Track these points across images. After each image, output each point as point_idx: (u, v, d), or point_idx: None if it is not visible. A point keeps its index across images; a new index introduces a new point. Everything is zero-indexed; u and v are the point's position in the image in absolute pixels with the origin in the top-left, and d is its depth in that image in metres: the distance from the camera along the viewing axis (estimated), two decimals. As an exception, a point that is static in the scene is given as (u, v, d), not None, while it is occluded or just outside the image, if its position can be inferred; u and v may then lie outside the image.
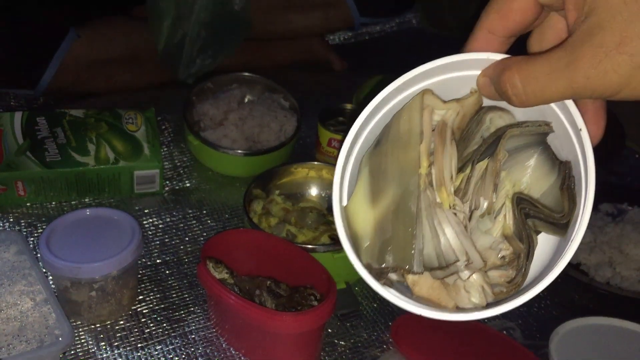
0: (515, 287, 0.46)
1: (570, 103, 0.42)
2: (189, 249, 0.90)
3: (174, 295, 0.83)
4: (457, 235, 0.44)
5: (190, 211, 0.95)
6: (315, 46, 1.34)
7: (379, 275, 0.45)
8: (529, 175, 0.45)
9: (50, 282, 0.78)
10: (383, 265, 0.44)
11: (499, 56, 0.44)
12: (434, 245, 0.44)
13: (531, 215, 0.45)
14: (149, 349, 0.76)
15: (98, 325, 0.78)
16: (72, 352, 0.74)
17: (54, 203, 0.93)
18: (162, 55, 1.18)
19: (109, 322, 0.78)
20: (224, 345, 0.77)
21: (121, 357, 0.75)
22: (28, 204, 0.92)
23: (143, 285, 0.83)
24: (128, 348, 0.76)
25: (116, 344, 0.76)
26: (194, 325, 0.79)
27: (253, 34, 1.29)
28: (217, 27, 1.18)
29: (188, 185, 1.00)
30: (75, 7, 1.20)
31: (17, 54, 1.12)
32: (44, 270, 0.78)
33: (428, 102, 0.47)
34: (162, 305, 0.81)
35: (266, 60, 1.31)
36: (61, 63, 1.11)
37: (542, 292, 0.91)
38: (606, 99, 0.39)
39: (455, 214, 0.45)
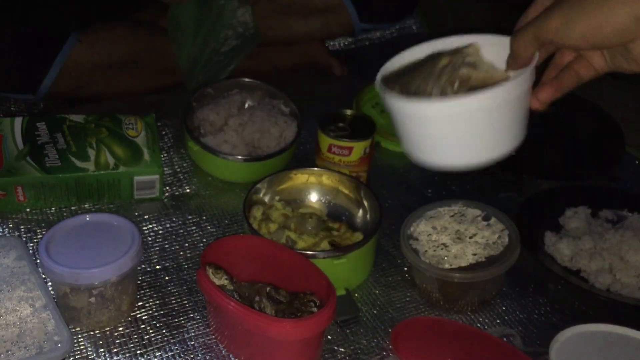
0: None
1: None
2: (189, 255, 0.89)
3: (174, 301, 0.83)
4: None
5: (190, 217, 0.95)
6: (315, 51, 1.34)
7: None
8: None
9: (50, 288, 0.78)
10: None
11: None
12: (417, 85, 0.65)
13: None
14: (148, 355, 0.76)
15: (97, 331, 0.77)
16: (71, 358, 0.74)
17: (53, 208, 0.93)
18: (183, 68, 1.19)
19: (108, 329, 0.78)
20: (223, 351, 0.77)
21: (120, 364, 0.75)
22: (28, 210, 0.92)
23: (142, 292, 0.83)
24: (127, 354, 0.75)
25: (115, 350, 0.76)
26: (193, 332, 0.79)
27: None
28: (230, 41, 1.19)
29: (188, 191, 1.00)
30: (76, 11, 1.20)
31: (18, 58, 1.12)
32: (44, 276, 0.78)
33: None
34: (162, 312, 0.81)
35: (266, 65, 1.31)
36: (62, 67, 1.11)
37: (542, 299, 0.92)
38: (557, 43, 0.60)
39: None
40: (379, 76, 0.66)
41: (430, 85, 0.64)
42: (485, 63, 0.66)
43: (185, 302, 0.83)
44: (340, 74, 1.33)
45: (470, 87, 0.63)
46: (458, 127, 0.61)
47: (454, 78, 0.65)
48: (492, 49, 0.65)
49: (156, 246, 0.90)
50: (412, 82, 0.66)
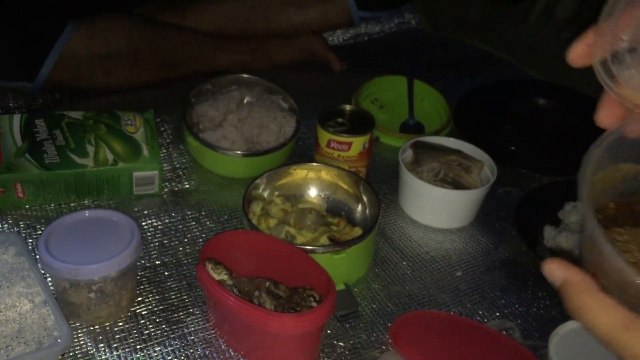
0: None
1: None
2: (188, 250, 0.90)
3: (173, 296, 0.83)
4: None
5: (189, 212, 0.95)
6: (315, 45, 1.34)
7: None
8: None
9: (49, 284, 0.78)
10: None
11: None
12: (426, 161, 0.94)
13: None
14: (147, 350, 0.76)
15: (97, 326, 0.78)
16: (71, 353, 0.74)
17: (53, 205, 0.93)
18: None
19: (107, 324, 0.78)
20: (223, 346, 0.77)
21: (120, 359, 0.75)
22: (27, 206, 0.92)
23: (142, 287, 0.83)
24: (127, 349, 0.76)
25: (115, 345, 0.76)
26: (193, 327, 0.79)
27: (252, 32, 1.29)
28: None
29: (187, 186, 1.00)
30: (75, 3, 1.20)
31: (16, 45, 1.11)
32: (43, 271, 0.78)
33: None
34: (161, 307, 0.81)
35: (265, 60, 1.31)
36: (60, 56, 1.11)
37: (542, 292, 0.92)
38: None
39: None
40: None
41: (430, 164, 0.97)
42: (475, 174, 0.97)
43: (185, 297, 0.83)
44: (340, 69, 1.33)
45: (455, 182, 0.96)
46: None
47: (449, 171, 0.96)
48: (486, 168, 0.98)
49: (155, 242, 0.90)
50: (426, 156, 0.97)
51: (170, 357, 0.75)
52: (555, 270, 0.44)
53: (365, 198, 0.92)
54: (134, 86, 1.19)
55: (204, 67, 1.26)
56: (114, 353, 0.75)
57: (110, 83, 1.17)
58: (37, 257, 0.78)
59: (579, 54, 0.48)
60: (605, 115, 0.49)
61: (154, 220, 0.93)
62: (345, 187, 0.94)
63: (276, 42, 1.31)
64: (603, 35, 0.46)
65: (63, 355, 0.73)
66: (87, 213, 0.80)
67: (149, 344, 0.77)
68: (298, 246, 0.81)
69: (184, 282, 0.85)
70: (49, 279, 0.79)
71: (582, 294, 0.43)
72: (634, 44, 0.45)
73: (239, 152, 1.00)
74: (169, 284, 0.84)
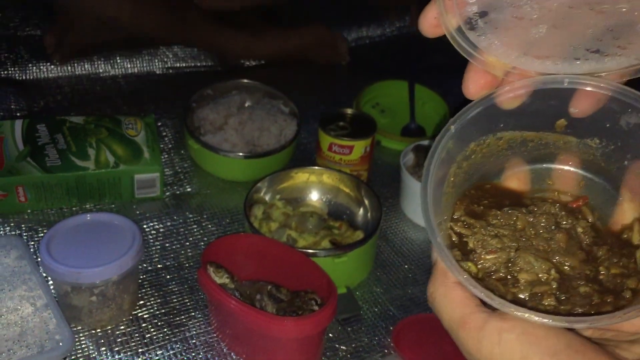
0: None
1: None
2: (190, 253, 0.90)
3: (175, 300, 0.83)
4: None
5: (190, 216, 0.95)
6: (323, 31, 1.36)
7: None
8: None
9: (51, 287, 0.78)
10: None
11: None
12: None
13: None
14: (149, 354, 0.76)
15: (99, 330, 0.77)
16: (73, 357, 0.74)
17: (54, 209, 0.93)
18: None
19: (109, 327, 0.78)
20: (224, 350, 0.77)
21: (122, 362, 0.75)
22: (29, 210, 0.92)
23: (144, 290, 0.83)
24: (129, 353, 0.76)
25: (117, 349, 0.76)
26: (194, 330, 0.79)
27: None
28: None
29: (189, 190, 1.00)
30: None
31: None
32: (45, 275, 0.78)
33: None
34: (163, 310, 0.81)
35: (273, 46, 1.32)
36: None
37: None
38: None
39: None
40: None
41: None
42: None
43: (187, 300, 0.83)
44: (345, 62, 1.35)
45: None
46: None
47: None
48: None
49: (157, 245, 0.90)
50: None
51: (171, 361, 0.75)
52: (434, 250, 0.44)
53: (366, 201, 0.92)
54: (143, 24, 1.20)
55: (210, 37, 1.28)
56: (116, 357, 0.75)
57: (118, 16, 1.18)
58: (39, 260, 0.78)
59: (431, 23, 0.41)
60: (474, 86, 0.43)
61: (155, 224, 0.93)
62: (347, 190, 0.94)
63: (284, 28, 1.33)
64: None
65: (65, 359, 0.73)
66: (88, 216, 0.80)
67: (150, 347, 0.76)
68: (300, 250, 0.81)
69: (186, 286, 0.85)
70: (51, 283, 0.79)
71: (437, 281, 0.43)
72: (483, 7, 0.39)
73: (240, 154, 1.00)
74: (170, 287, 0.84)
